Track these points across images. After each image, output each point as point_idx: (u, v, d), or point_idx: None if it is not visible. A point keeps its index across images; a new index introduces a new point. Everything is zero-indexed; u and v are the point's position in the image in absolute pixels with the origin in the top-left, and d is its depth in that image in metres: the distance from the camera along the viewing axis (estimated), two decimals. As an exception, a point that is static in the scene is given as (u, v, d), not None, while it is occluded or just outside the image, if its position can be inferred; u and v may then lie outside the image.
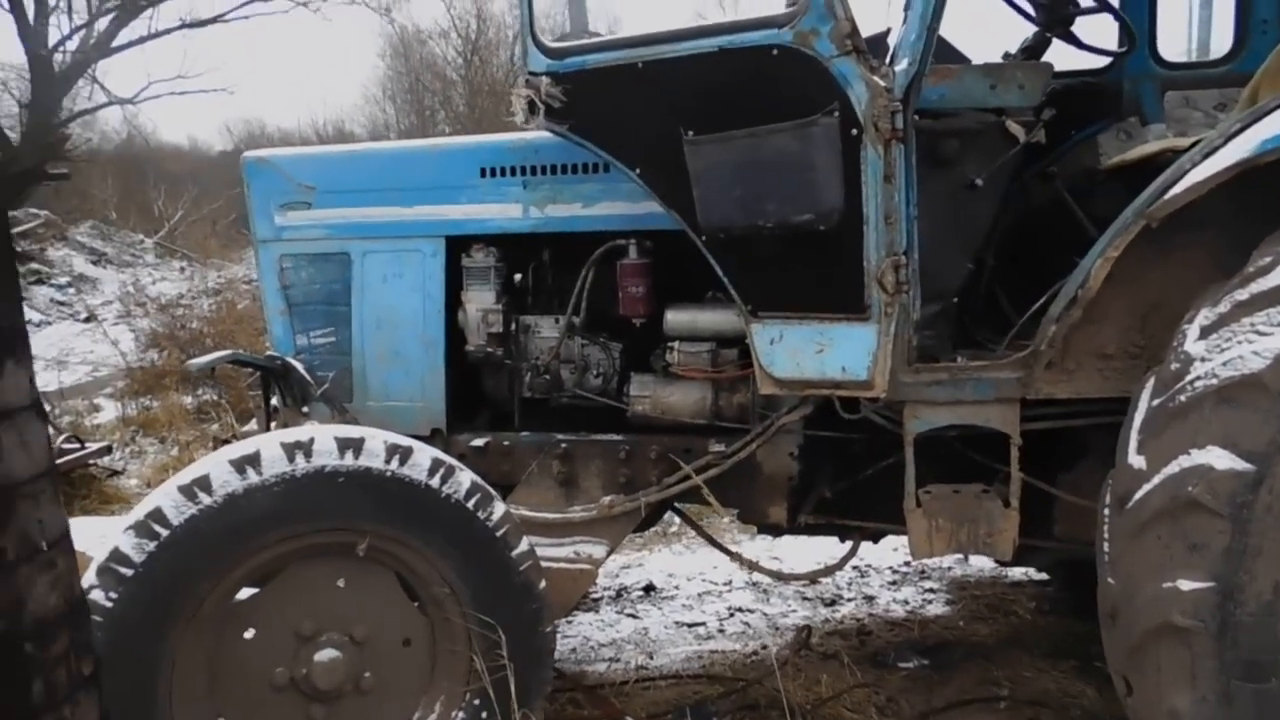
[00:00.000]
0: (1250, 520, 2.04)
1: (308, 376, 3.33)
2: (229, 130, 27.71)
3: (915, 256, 2.67)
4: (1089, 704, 3.33)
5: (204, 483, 2.42)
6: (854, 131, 2.49)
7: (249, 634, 2.53)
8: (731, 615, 4.40)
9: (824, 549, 4.54)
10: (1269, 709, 2.07)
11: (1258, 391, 2.04)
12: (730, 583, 4.79)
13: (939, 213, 2.87)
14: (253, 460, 2.45)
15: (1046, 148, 3.28)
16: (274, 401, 3.45)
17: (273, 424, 3.40)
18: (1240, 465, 2.05)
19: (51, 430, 6.45)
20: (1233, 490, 2.05)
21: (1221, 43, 4.03)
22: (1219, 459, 2.06)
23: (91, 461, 6.18)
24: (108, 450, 6.40)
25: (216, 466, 2.45)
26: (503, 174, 3.19)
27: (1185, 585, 2.10)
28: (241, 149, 3.63)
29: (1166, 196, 2.33)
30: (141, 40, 18.34)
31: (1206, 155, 2.33)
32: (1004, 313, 3.25)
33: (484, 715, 2.62)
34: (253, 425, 3.64)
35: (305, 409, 3.34)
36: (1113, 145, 3.57)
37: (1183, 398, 2.15)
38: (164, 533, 2.37)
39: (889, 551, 4.74)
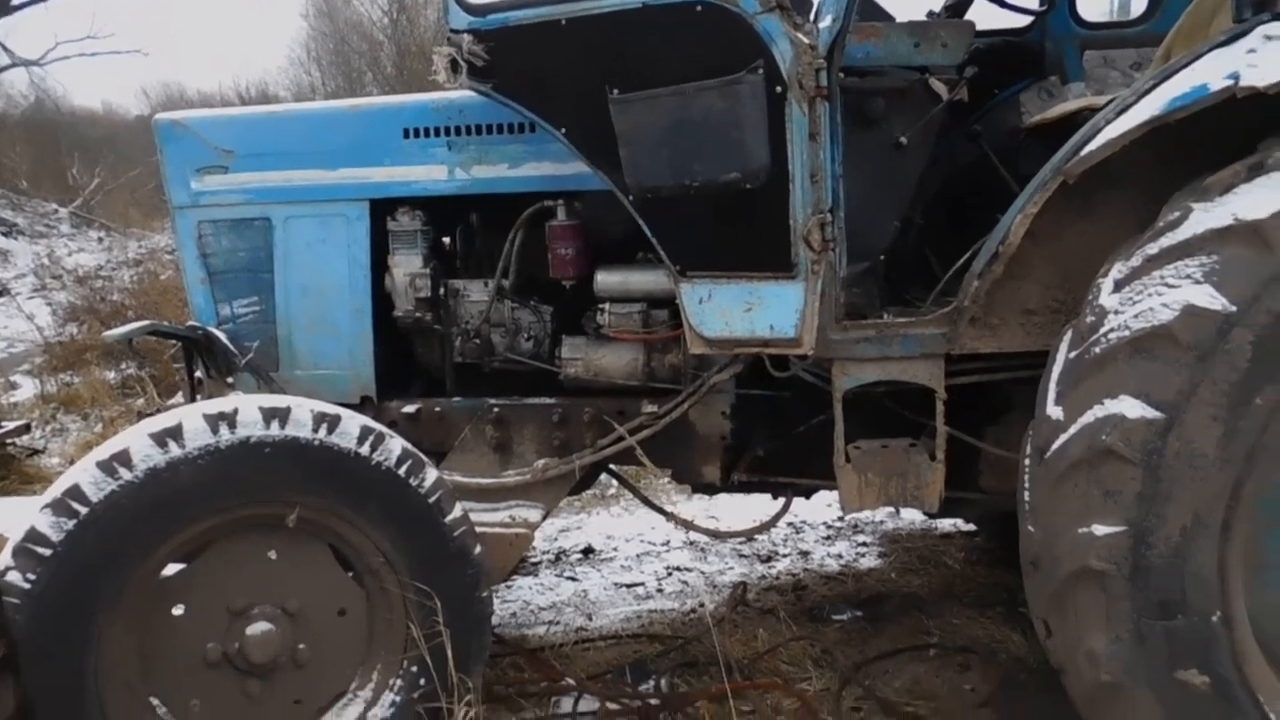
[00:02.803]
0: (1160, 466, 2.12)
1: (231, 346, 3.26)
2: (146, 94, 26.64)
3: (841, 214, 2.69)
4: (1014, 648, 3.45)
5: (124, 457, 2.35)
6: (779, 89, 2.48)
7: (178, 610, 2.47)
8: (670, 574, 4.45)
9: (760, 507, 4.60)
10: (1178, 644, 2.16)
11: (1167, 342, 2.11)
12: (668, 543, 4.84)
13: (865, 171, 2.90)
14: (174, 433, 2.39)
15: (970, 106, 3.33)
16: (198, 373, 3.37)
17: (198, 396, 3.32)
18: (1151, 414, 2.12)
19: (-36, 409, 6.27)
20: (1144, 438, 2.13)
21: (1139, 3, 4.11)
22: (1131, 408, 2.13)
23: (9, 441, 5.99)
24: (26, 429, 6.22)
25: (136, 440, 2.38)
26: (426, 135, 3.13)
27: (1100, 530, 2.17)
28: (160, 113, 3.49)
29: (1082, 153, 2.38)
30: (44, -2, 17.51)
31: (1120, 113, 2.38)
32: (932, 270, 3.31)
33: (422, 682, 2.61)
34: (178, 398, 3.55)
35: (230, 380, 3.27)
36: (1034, 104, 3.63)
37: (1098, 350, 2.21)
38: (83, 510, 2.30)
39: (823, 508, 4.82)
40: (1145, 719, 2.19)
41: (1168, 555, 2.14)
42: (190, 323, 3.37)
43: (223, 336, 3.28)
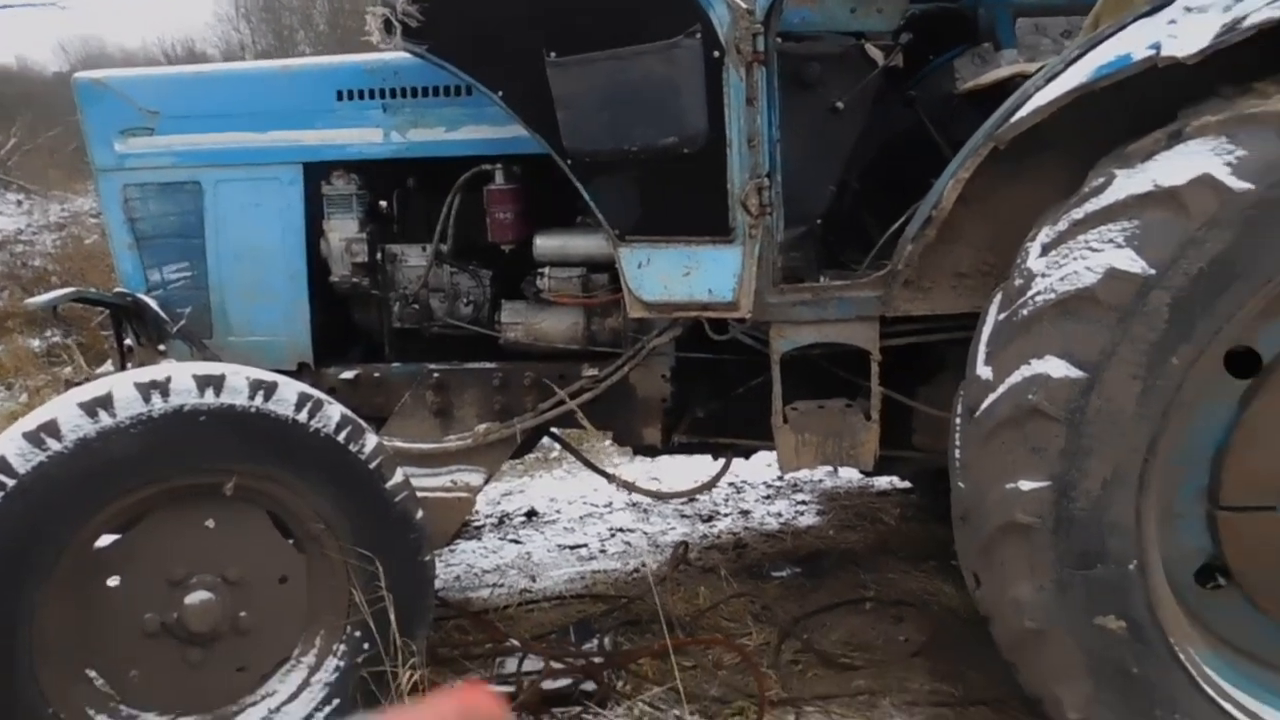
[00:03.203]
0: (1082, 423, 2.21)
1: (162, 313, 3.18)
2: (64, 50, 25.53)
3: (778, 179, 2.71)
4: (946, 600, 3.57)
5: (51, 428, 2.30)
6: (716, 54, 2.48)
7: (114, 581, 2.44)
8: (612, 535, 4.49)
9: (701, 468, 4.66)
10: (1097, 592, 2.27)
11: (1091, 304, 2.18)
12: (611, 504, 4.88)
13: (802, 136, 2.92)
14: (104, 402, 2.34)
15: (905, 72, 3.36)
16: (128, 341, 3.29)
17: (128, 364, 3.24)
18: (1075, 373, 2.20)
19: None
20: (1068, 397, 2.21)
21: (1070, -30, 4.16)
22: (1056, 368, 2.21)
23: (-72, 411, 5.80)
24: (-54, 399, 6.01)
25: (64, 410, 2.33)
26: (361, 97, 3.07)
27: (1026, 486, 2.26)
28: (79, 70, 3.37)
29: (1013, 120, 2.42)
30: (-47, -52, 16.63)
31: (1049, 80, 2.42)
32: (869, 234, 3.35)
33: (366, 646, 2.62)
34: (108, 367, 3.46)
35: (161, 347, 3.20)
36: (968, 70, 3.67)
37: (1025, 312, 2.28)
38: (10, 482, 2.25)
39: (763, 468, 4.90)
40: (1066, 662, 2.31)
41: (1088, 508, 2.24)
42: (118, 289, 3.28)
43: (153, 303, 3.20)
